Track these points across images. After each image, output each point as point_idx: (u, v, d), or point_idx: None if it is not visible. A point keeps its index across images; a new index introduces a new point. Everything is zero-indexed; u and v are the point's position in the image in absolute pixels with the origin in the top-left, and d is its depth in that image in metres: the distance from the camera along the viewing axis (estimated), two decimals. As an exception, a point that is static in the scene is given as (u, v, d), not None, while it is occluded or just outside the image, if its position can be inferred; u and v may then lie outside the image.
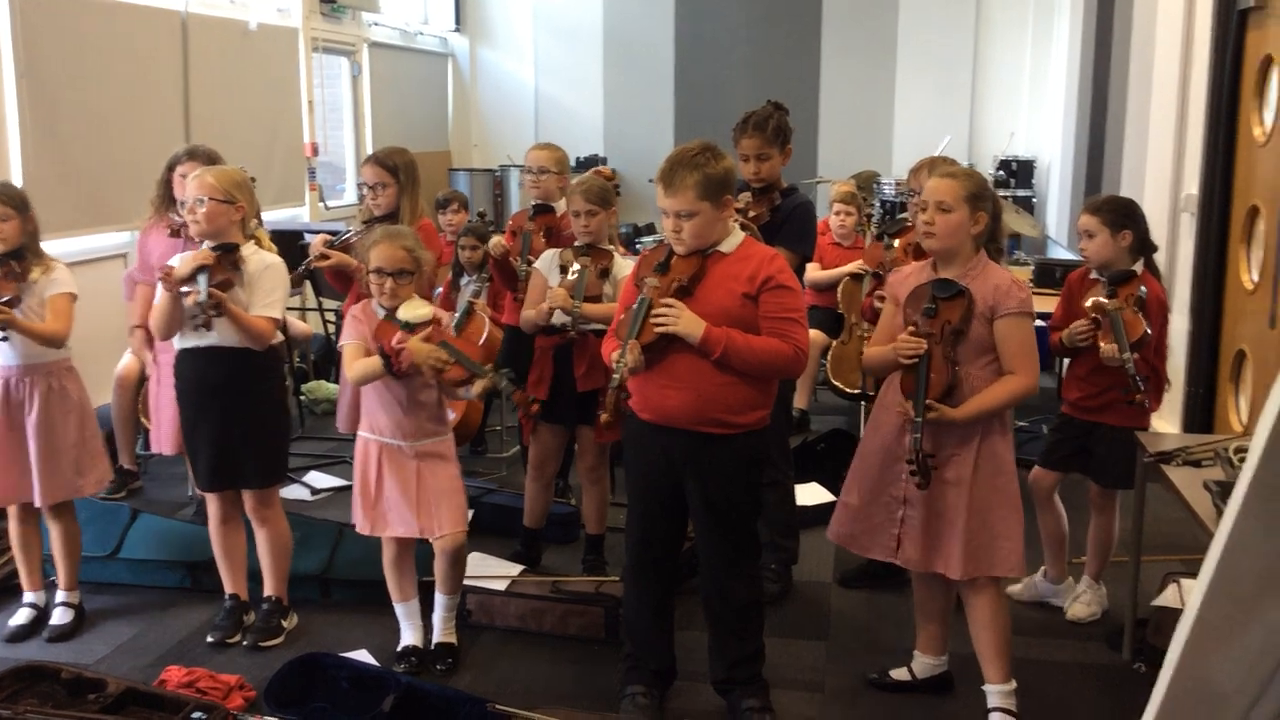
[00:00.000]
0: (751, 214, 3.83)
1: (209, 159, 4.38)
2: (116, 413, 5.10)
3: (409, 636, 3.65)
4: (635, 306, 3.01)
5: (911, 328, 3.12)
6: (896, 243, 4.12)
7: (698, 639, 3.40)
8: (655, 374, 3.02)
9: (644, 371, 2.98)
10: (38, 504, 3.72)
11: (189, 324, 3.52)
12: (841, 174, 8.01)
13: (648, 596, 3.31)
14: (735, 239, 3.07)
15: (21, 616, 3.83)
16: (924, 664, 3.46)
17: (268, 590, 3.81)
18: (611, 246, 4.07)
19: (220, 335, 3.52)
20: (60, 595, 3.89)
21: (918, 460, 3.00)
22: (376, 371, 3.38)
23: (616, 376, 2.97)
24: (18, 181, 5.41)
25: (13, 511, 3.79)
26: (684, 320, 2.94)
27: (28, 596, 3.88)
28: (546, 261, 4.06)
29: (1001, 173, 9.51)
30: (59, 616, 3.85)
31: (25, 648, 3.72)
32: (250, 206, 3.66)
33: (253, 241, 3.65)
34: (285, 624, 3.82)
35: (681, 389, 3.00)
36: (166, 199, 4.51)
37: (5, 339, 3.55)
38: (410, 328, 3.37)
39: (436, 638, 3.66)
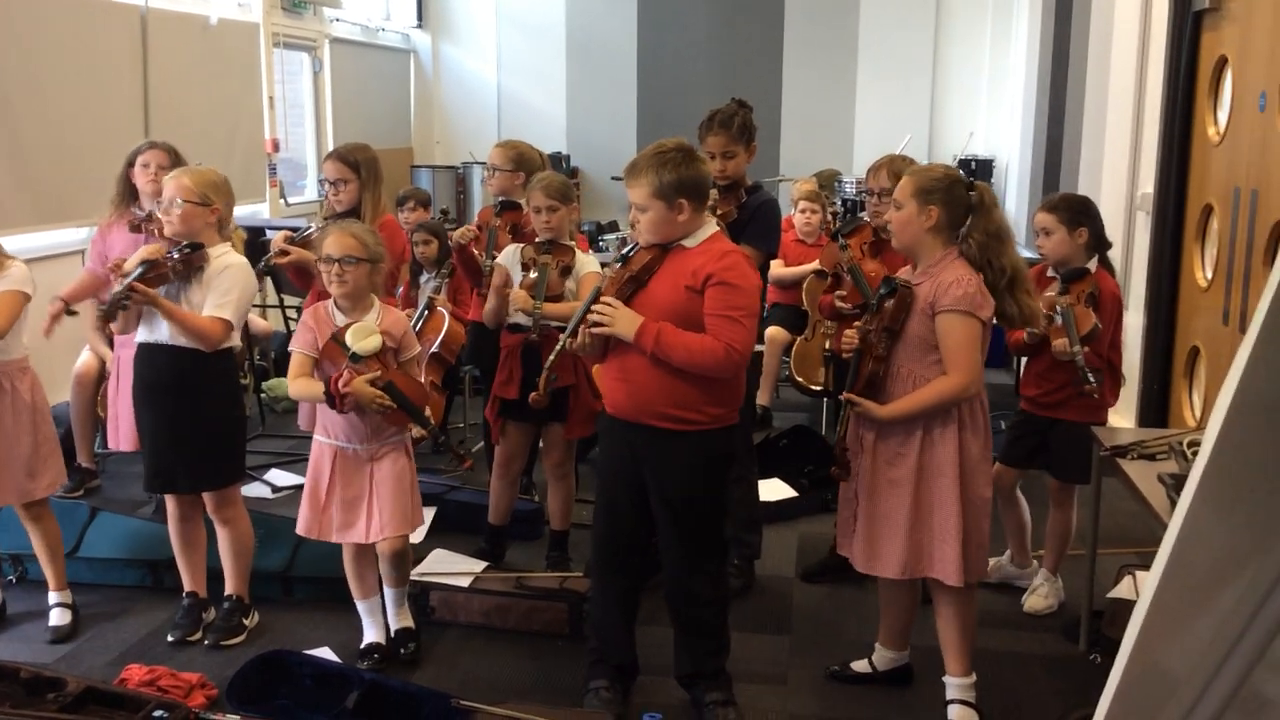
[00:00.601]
0: (720, 212, 3.84)
1: (171, 151, 4.35)
2: (75, 411, 5.04)
3: (372, 634, 3.64)
4: (589, 295, 3.08)
5: (858, 324, 3.18)
6: (850, 243, 4.15)
7: (664, 634, 3.42)
8: (610, 367, 3.10)
9: (597, 361, 3.06)
10: None
11: (134, 318, 3.49)
12: (803, 172, 8.04)
13: (612, 591, 3.33)
14: (703, 234, 3.08)
15: (-26, 615, 3.79)
16: (885, 657, 3.49)
17: (229, 589, 3.78)
18: (573, 243, 4.07)
19: (172, 332, 3.49)
20: (53, 597, 3.84)
21: (836, 450, 3.17)
22: (316, 398, 3.39)
23: (552, 358, 3.11)
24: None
25: None
26: (619, 320, 2.98)
27: (-21, 595, 3.83)
28: (509, 256, 4.06)
29: (961, 172, 9.57)
30: (57, 618, 3.80)
31: (-19, 648, 3.67)
32: (227, 209, 3.62)
33: (227, 244, 3.61)
34: (247, 622, 3.80)
35: (627, 382, 3.06)
36: (127, 194, 4.47)
37: None
38: (358, 360, 3.36)
39: (394, 625, 3.67)
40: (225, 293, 3.51)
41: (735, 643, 3.36)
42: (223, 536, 3.74)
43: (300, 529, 3.56)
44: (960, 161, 9.69)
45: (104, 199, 4.59)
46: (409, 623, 3.69)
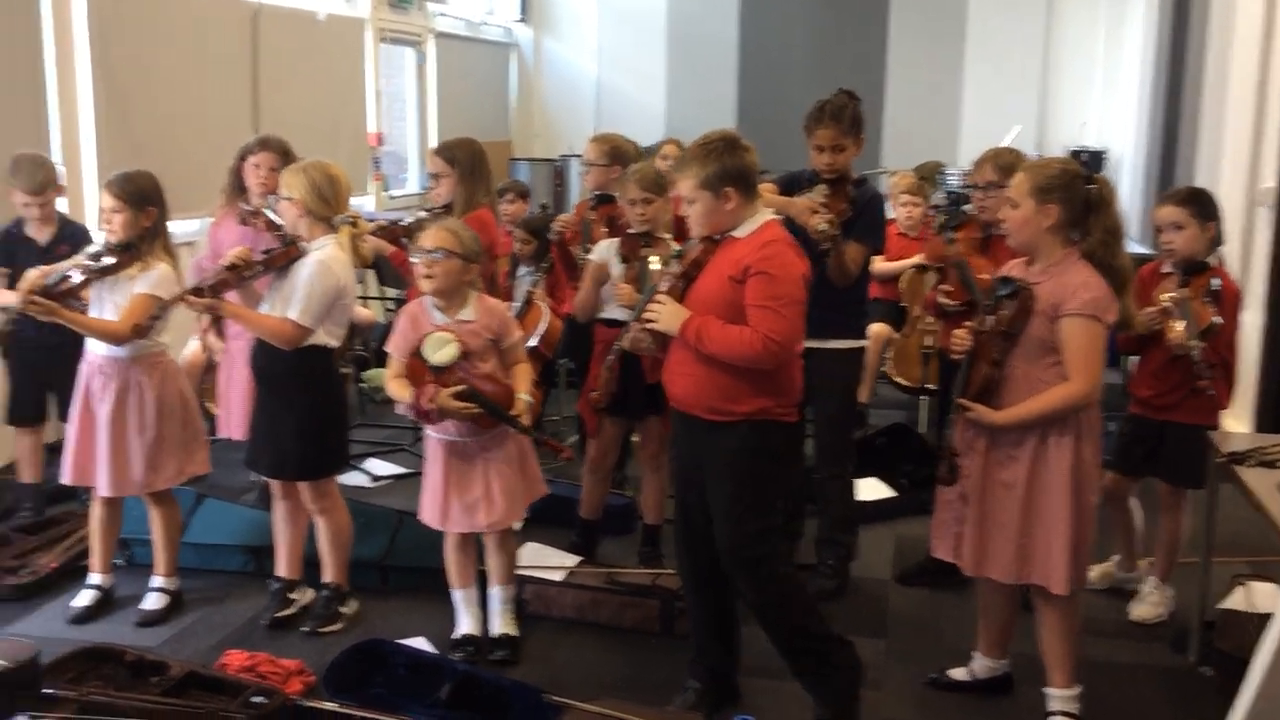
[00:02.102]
0: (835, 211, 3.77)
1: (281, 149, 4.42)
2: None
3: (466, 625, 3.67)
4: (646, 292, 3.13)
5: (970, 324, 3.08)
6: (958, 237, 4.05)
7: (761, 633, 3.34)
8: (668, 362, 3.12)
9: (657, 354, 3.12)
10: (101, 494, 3.78)
11: (252, 298, 3.61)
12: (907, 164, 7.90)
13: (691, 587, 3.31)
14: (753, 224, 3.03)
15: (85, 598, 3.90)
16: (984, 665, 3.41)
17: (326, 577, 3.84)
18: (668, 235, 4.04)
19: None
20: (157, 580, 3.94)
21: (944, 455, 3.06)
22: (410, 412, 3.46)
23: (610, 356, 3.23)
24: (91, 172, 5.53)
25: (95, 494, 3.84)
26: (664, 315, 3.01)
27: (93, 578, 3.94)
28: (604, 250, 4.05)
29: (1078, 165, 9.30)
30: (153, 601, 3.90)
31: (89, 630, 3.78)
32: (319, 201, 3.61)
33: (329, 237, 3.61)
34: (345, 610, 3.86)
35: (679, 376, 3.08)
36: (237, 188, 4.57)
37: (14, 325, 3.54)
38: (439, 371, 3.39)
39: (496, 629, 3.67)
40: (294, 292, 3.55)
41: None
42: (320, 526, 3.80)
43: (424, 518, 3.62)
44: (1072, 153, 9.43)
45: (215, 192, 4.69)
46: (512, 630, 3.68)
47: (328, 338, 3.64)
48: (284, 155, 4.39)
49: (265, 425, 3.73)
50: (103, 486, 3.75)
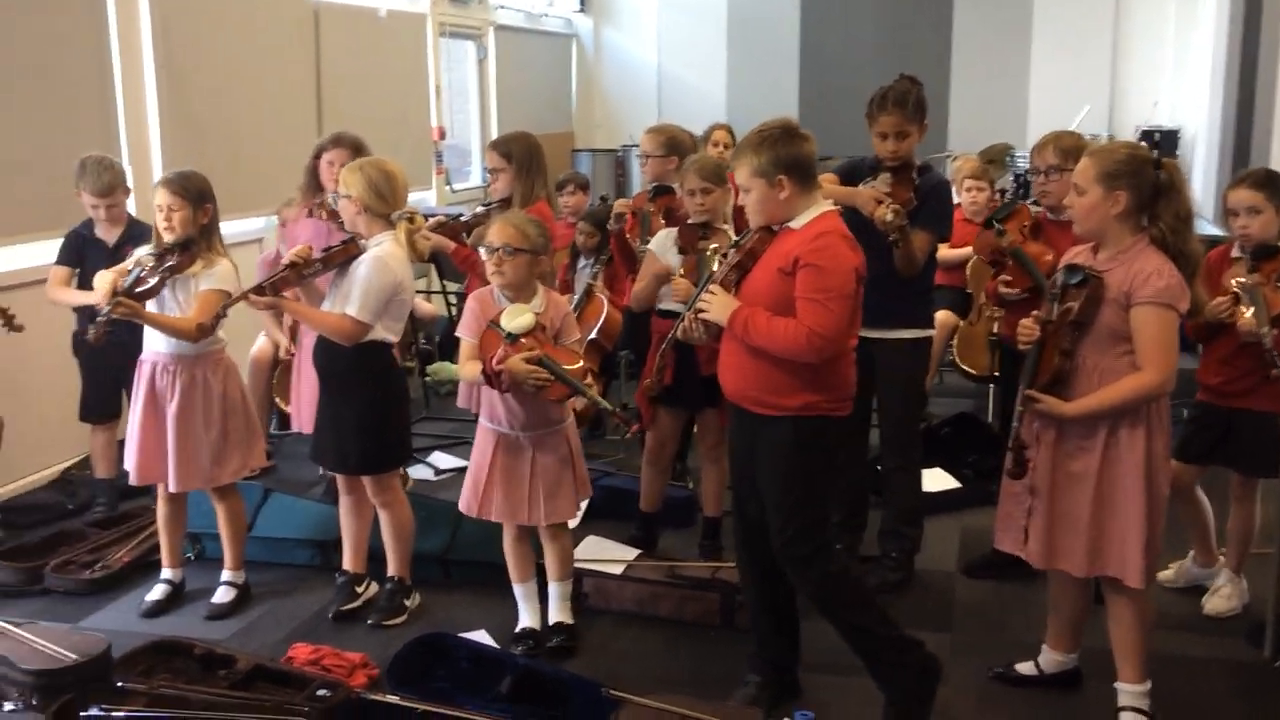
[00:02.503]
0: (899, 200, 3.71)
1: (354, 145, 4.48)
2: (250, 394, 5.26)
3: (526, 618, 3.69)
4: (701, 282, 3.15)
5: (1036, 313, 3.01)
6: (1008, 226, 3.96)
7: (825, 627, 3.31)
8: (722, 352, 3.12)
9: (711, 344, 3.13)
10: (170, 490, 3.85)
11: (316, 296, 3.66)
12: (974, 148, 7.79)
13: (749, 580, 3.31)
14: (809, 214, 2.99)
15: (158, 592, 3.98)
16: (1052, 659, 3.35)
17: (390, 570, 3.89)
18: (727, 226, 4.01)
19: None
20: (225, 574, 4.02)
21: (1012, 447, 2.95)
22: (479, 379, 3.44)
23: (664, 346, 3.31)
24: (158, 173, 5.63)
25: (161, 491, 3.92)
26: (715, 307, 3.00)
27: (165, 573, 4.03)
28: (662, 241, 4.03)
29: (1145, 147, 9.09)
30: (221, 595, 3.98)
31: (160, 623, 3.86)
32: (378, 200, 3.64)
33: (388, 234, 3.65)
34: (408, 603, 3.89)
35: (730, 366, 3.08)
36: (313, 185, 4.63)
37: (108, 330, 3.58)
38: (513, 339, 3.38)
39: (553, 616, 3.69)
40: (351, 288, 3.60)
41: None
42: (383, 520, 3.85)
43: (461, 505, 3.65)
44: (1143, 133, 9.20)
45: (280, 189, 4.76)
46: (568, 619, 3.70)
47: (386, 333, 3.67)
48: (356, 151, 4.45)
49: (328, 421, 3.78)
50: (172, 482, 3.82)
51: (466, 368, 3.53)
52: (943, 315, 5.89)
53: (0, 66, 4.85)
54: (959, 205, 6.14)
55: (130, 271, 3.72)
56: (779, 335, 2.90)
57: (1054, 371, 2.94)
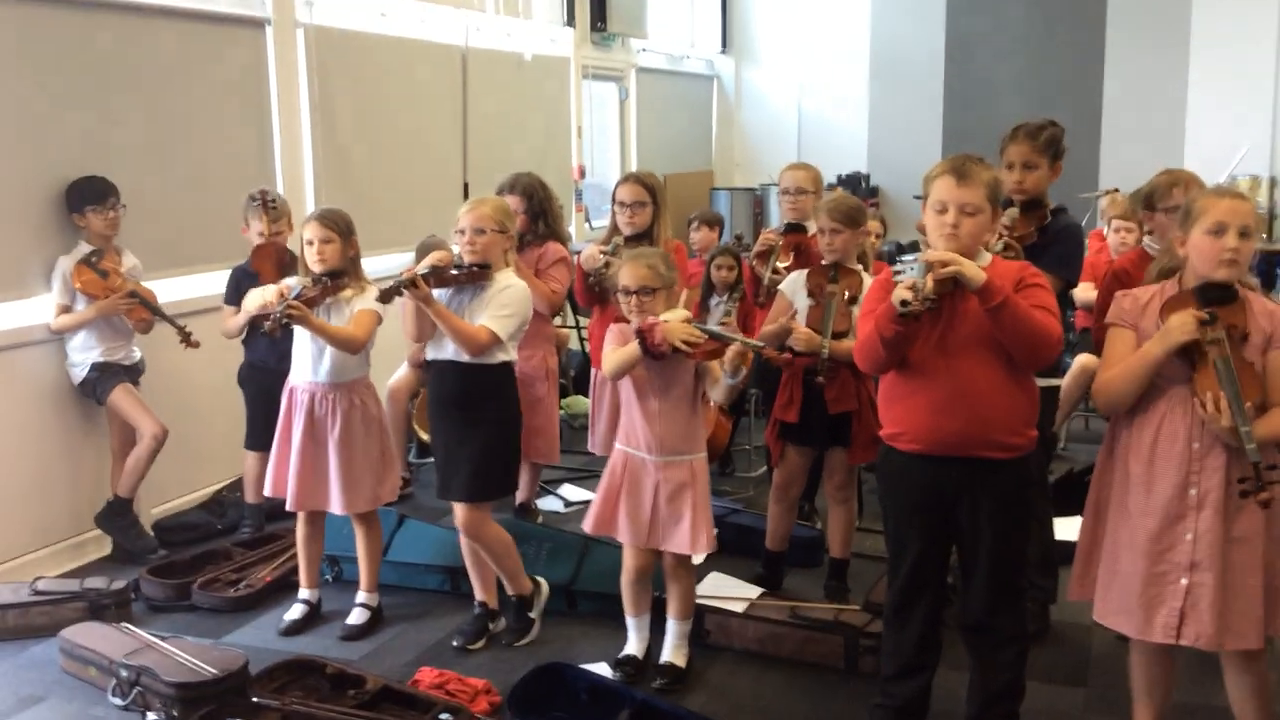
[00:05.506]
0: (1017, 233, 3.64)
1: (526, 191, 4.79)
2: (389, 422, 5.42)
3: (632, 645, 3.71)
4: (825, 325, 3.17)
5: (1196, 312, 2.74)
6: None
7: (943, 678, 3.25)
8: (927, 399, 2.92)
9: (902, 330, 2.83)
10: (338, 512, 3.99)
11: (428, 324, 3.68)
12: (1126, 187, 7.54)
13: (910, 633, 3.15)
14: (984, 259, 2.93)
15: (296, 612, 4.13)
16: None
17: (509, 591, 3.96)
18: (859, 267, 3.99)
19: (455, 349, 3.68)
20: (360, 596, 4.14)
21: (1257, 475, 2.55)
22: (633, 357, 3.43)
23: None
24: (310, 206, 5.89)
25: (302, 515, 4.09)
26: (965, 263, 2.75)
27: (303, 593, 4.17)
28: (792, 283, 4.03)
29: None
30: (356, 616, 4.09)
31: (297, 641, 4.00)
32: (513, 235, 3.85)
33: (511, 269, 3.80)
34: (532, 615, 3.97)
35: (956, 414, 2.88)
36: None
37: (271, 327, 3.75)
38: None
39: (666, 656, 3.67)
40: (502, 307, 3.68)
41: (1028, 691, 3.16)
42: (482, 553, 3.90)
43: (585, 524, 3.67)
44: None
45: (423, 227, 4.91)
46: (680, 661, 3.67)
47: (513, 354, 3.78)
48: (529, 198, 4.71)
49: (448, 451, 3.82)
50: (339, 505, 3.97)
51: (613, 356, 3.49)
52: (1087, 359, 5.70)
53: (172, 112, 5.14)
54: (1106, 244, 5.98)
55: (292, 288, 3.92)
56: (1039, 323, 2.79)
57: (1259, 385, 2.69)
